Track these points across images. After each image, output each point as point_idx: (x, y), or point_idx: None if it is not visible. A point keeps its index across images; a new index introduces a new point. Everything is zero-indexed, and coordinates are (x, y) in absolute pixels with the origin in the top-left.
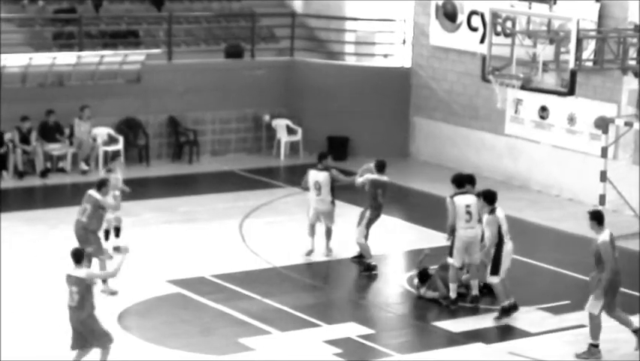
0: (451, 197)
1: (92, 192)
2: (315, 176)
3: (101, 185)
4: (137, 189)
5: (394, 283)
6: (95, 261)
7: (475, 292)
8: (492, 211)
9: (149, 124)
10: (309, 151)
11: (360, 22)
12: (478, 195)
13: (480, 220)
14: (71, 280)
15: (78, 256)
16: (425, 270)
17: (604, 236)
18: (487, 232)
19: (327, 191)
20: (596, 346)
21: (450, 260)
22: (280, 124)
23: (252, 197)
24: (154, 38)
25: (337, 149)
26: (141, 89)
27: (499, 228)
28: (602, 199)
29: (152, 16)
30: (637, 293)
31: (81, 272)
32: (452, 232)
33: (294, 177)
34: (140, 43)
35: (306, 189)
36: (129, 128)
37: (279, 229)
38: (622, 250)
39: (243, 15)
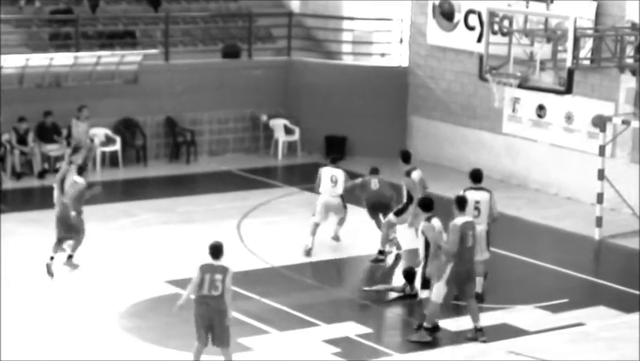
0: (464, 190)
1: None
2: (331, 171)
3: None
4: (135, 190)
5: (392, 282)
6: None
7: (479, 289)
8: (428, 219)
9: (146, 124)
10: (306, 151)
11: (357, 21)
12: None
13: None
14: None
15: None
16: (411, 269)
17: (456, 220)
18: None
19: (342, 186)
20: (435, 327)
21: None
22: (278, 124)
23: (249, 197)
24: (151, 39)
25: (335, 148)
26: (138, 90)
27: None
28: (600, 198)
29: (149, 17)
30: (637, 292)
31: None
32: None
33: (292, 176)
34: (137, 44)
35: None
36: (126, 128)
37: (277, 229)
38: (620, 249)
39: (240, 15)
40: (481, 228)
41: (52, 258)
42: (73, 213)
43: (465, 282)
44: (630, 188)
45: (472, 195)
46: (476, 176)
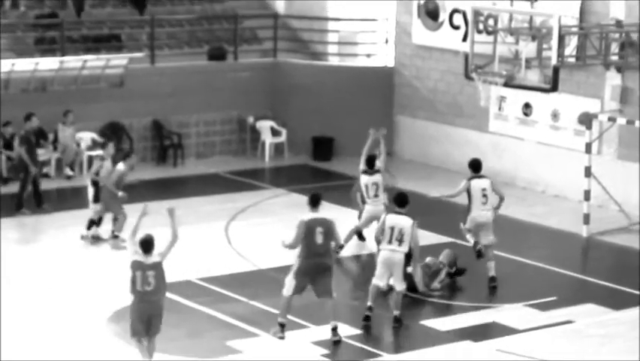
0: (469, 179)
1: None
2: (370, 179)
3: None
4: None
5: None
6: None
7: (492, 273)
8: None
9: (132, 128)
10: (293, 152)
11: (342, 22)
12: None
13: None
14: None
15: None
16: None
17: (304, 216)
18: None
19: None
20: (282, 325)
21: (463, 226)
22: (264, 126)
23: (237, 199)
24: (136, 42)
25: (322, 149)
26: (124, 93)
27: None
28: (587, 195)
29: (135, 20)
30: (625, 288)
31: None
32: (467, 212)
33: (279, 178)
34: (122, 47)
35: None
36: (113, 132)
37: (265, 231)
38: (608, 246)
39: (225, 17)
40: (489, 214)
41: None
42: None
43: (315, 278)
44: (617, 185)
45: (477, 184)
46: (476, 165)
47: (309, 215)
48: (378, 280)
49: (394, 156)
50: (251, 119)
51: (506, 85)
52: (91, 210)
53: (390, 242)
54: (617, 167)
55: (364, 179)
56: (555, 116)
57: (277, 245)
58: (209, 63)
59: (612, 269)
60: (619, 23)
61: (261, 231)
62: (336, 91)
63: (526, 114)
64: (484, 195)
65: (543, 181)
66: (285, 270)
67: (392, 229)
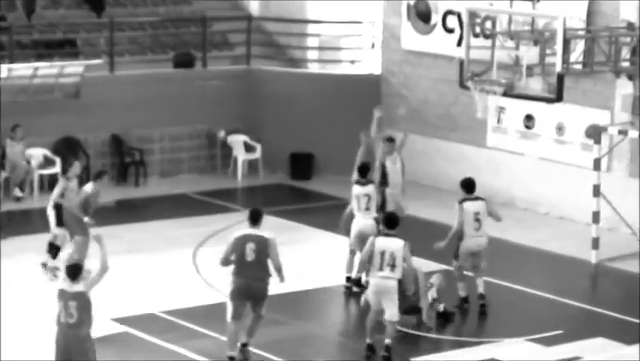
0: (460, 202)
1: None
2: (362, 190)
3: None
4: None
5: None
6: None
7: (480, 290)
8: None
9: (89, 143)
10: (269, 170)
11: (323, 25)
12: None
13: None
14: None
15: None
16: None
17: (236, 233)
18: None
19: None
20: (231, 359)
21: (455, 263)
22: (237, 141)
23: (206, 223)
24: (94, 48)
25: (301, 167)
26: (80, 105)
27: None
28: (596, 216)
29: (92, 23)
30: (638, 321)
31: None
32: (458, 239)
33: (254, 199)
34: (78, 54)
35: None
36: (67, 148)
37: None
38: (619, 273)
39: (193, 20)
40: (483, 240)
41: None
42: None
43: (248, 299)
44: (629, 205)
45: (470, 207)
46: (470, 185)
47: (242, 231)
48: (376, 313)
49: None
50: (221, 134)
51: (505, 95)
52: (51, 236)
53: (381, 268)
54: (628, 185)
55: (356, 190)
56: (560, 129)
57: None
58: (175, 71)
59: (624, 299)
60: (630, 26)
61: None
62: (316, 102)
63: (527, 127)
64: (477, 220)
65: (546, 202)
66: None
67: (382, 253)
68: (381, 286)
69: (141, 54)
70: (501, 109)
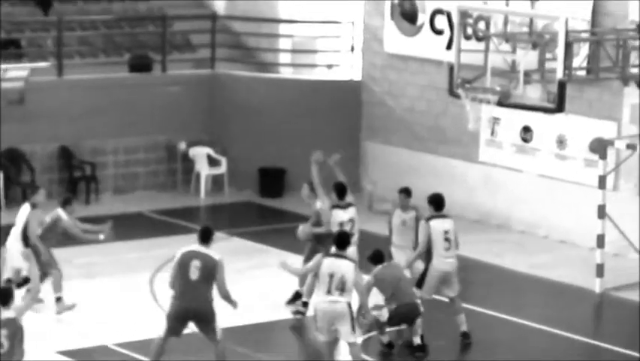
0: (427, 220)
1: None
2: (345, 215)
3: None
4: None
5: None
6: None
7: (464, 328)
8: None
9: (35, 156)
10: (235, 187)
11: (297, 25)
12: None
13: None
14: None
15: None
16: None
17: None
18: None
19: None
20: None
21: (418, 292)
22: (199, 153)
23: (165, 245)
24: (40, 49)
25: (271, 183)
26: (25, 113)
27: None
28: (601, 240)
29: (38, 22)
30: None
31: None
32: (426, 262)
33: (218, 219)
34: (22, 55)
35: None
36: (10, 161)
37: None
38: (627, 303)
39: (151, 18)
40: (453, 261)
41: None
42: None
43: (186, 321)
44: (637, 228)
45: (438, 226)
46: (439, 202)
47: (186, 248)
48: (322, 336)
49: (361, 191)
50: (183, 146)
51: (500, 104)
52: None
53: (329, 292)
54: (637, 206)
55: (338, 215)
56: (561, 142)
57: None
58: (131, 75)
59: (631, 333)
60: None
61: None
62: (289, 111)
63: (525, 140)
64: (447, 239)
65: (546, 224)
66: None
67: (331, 276)
68: (331, 310)
69: (93, 56)
70: (495, 120)
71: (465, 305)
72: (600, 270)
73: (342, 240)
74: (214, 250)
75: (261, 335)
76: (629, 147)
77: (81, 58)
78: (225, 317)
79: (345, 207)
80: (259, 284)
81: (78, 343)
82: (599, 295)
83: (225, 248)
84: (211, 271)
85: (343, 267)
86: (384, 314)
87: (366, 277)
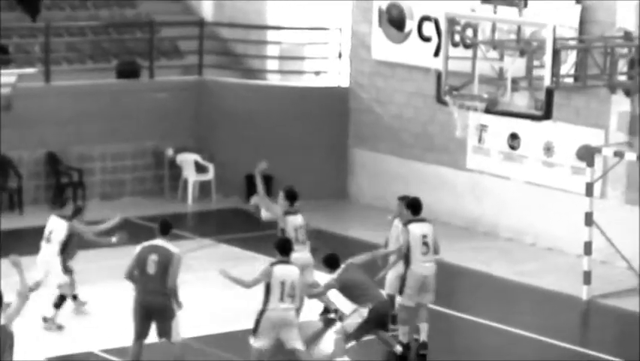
0: (405, 224)
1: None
2: (296, 220)
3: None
4: (8, 243)
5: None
6: None
7: (423, 337)
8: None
9: (22, 162)
10: (223, 193)
11: (285, 31)
12: None
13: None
14: None
15: None
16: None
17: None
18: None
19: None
20: None
21: (399, 300)
22: (187, 160)
23: None
24: (28, 55)
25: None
26: (12, 119)
27: None
28: (588, 248)
29: (25, 28)
30: None
31: None
32: (405, 267)
33: (205, 225)
34: (10, 62)
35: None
36: None
37: (187, 291)
38: (615, 311)
39: (138, 24)
40: (431, 266)
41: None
42: None
43: (149, 318)
44: (625, 236)
45: (417, 230)
46: (417, 206)
47: (147, 243)
48: (263, 342)
49: (349, 199)
50: (170, 152)
51: (488, 111)
52: (58, 285)
53: (281, 299)
54: (624, 213)
55: (292, 221)
56: (548, 150)
57: (200, 308)
58: (119, 82)
59: (618, 340)
60: (628, 35)
61: (182, 291)
62: (276, 117)
63: (512, 148)
64: (425, 244)
65: (533, 231)
66: (210, 340)
67: (283, 283)
68: (283, 318)
69: (80, 62)
70: (483, 127)
71: (451, 312)
72: (587, 277)
73: (284, 247)
74: (172, 245)
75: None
76: (616, 154)
77: (69, 64)
78: (212, 324)
79: (295, 212)
80: (246, 291)
81: (65, 349)
82: (586, 303)
83: (213, 255)
84: (167, 264)
85: (292, 274)
86: (363, 313)
87: (328, 278)
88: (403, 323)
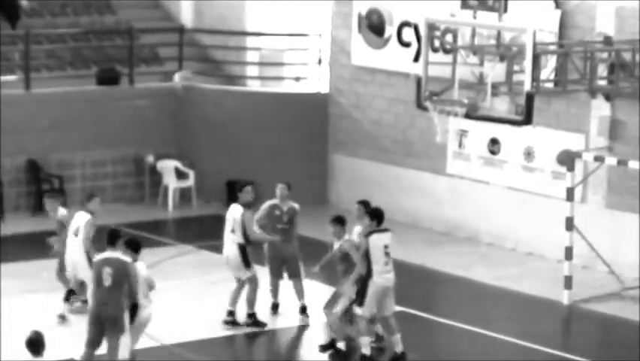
0: (367, 235)
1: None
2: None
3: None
4: None
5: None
6: None
7: (399, 348)
8: None
9: (2, 169)
10: (203, 199)
11: (264, 38)
12: None
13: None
14: None
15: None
16: None
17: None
18: None
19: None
20: None
21: (359, 311)
22: (167, 167)
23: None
24: (7, 62)
25: (238, 196)
26: None
27: None
28: (569, 253)
29: (5, 35)
30: None
31: None
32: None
33: (186, 232)
34: None
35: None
36: None
37: (169, 298)
38: (596, 316)
39: (118, 31)
40: (392, 276)
41: None
42: None
43: (101, 328)
44: (605, 240)
45: (379, 240)
46: (380, 216)
47: (102, 254)
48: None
49: (329, 204)
50: (150, 159)
51: (468, 116)
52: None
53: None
54: (605, 218)
55: (378, 239)
56: (528, 155)
57: (183, 316)
58: (98, 88)
59: (599, 345)
60: (608, 40)
61: (163, 298)
62: (256, 123)
63: (492, 153)
64: (387, 254)
65: (513, 236)
66: (192, 346)
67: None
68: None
69: (60, 69)
70: (463, 132)
71: (433, 318)
72: (568, 282)
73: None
74: (123, 254)
75: (229, 348)
76: (596, 159)
77: (49, 71)
78: (192, 330)
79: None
80: (227, 297)
81: (47, 356)
82: (567, 308)
83: (193, 261)
84: (121, 276)
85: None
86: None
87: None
88: (364, 333)
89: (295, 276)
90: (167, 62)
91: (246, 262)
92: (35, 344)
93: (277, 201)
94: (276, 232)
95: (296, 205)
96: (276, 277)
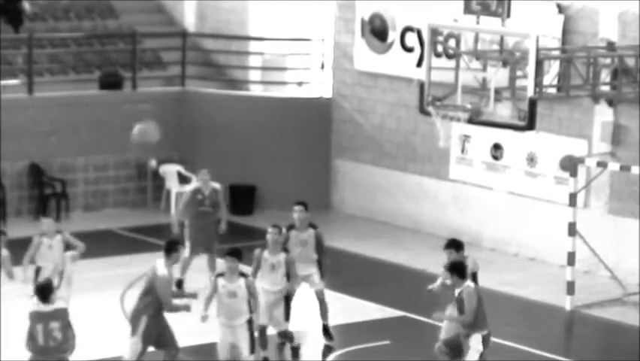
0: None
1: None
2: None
3: None
4: None
5: None
6: None
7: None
8: None
9: (5, 173)
10: None
11: (267, 42)
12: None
13: None
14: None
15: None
16: None
17: None
18: None
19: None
20: None
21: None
22: (169, 171)
23: (135, 262)
24: (10, 66)
25: (241, 201)
26: None
27: None
28: (571, 258)
29: (8, 39)
30: None
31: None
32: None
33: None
34: None
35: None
36: None
37: None
38: (598, 321)
39: (121, 35)
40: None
41: None
42: None
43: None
44: (608, 246)
45: None
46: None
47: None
48: None
49: (332, 209)
50: (153, 163)
51: (471, 121)
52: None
53: None
54: (607, 224)
55: None
56: (531, 160)
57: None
58: (101, 93)
59: (602, 350)
60: (611, 45)
61: None
62: (259, 128)
63: (495, 158)
64: None
65: (516, 241)
66: (194, 351)
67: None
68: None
69: (63, 74)
70: (466, 137)
71: (435, 323)
72: (571, 287)
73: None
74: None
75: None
76: (599, 164)
77: (51, 75)
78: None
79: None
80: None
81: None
82: (569, 313)
83: (195, 265)
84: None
85: None
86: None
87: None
88: None
89: (209, 251)
90: (170, 66)
91: None
92: (44, 289)
93: (200, 185)
94: (198, 216)
95: (217, 186)
96: (193, 255)
